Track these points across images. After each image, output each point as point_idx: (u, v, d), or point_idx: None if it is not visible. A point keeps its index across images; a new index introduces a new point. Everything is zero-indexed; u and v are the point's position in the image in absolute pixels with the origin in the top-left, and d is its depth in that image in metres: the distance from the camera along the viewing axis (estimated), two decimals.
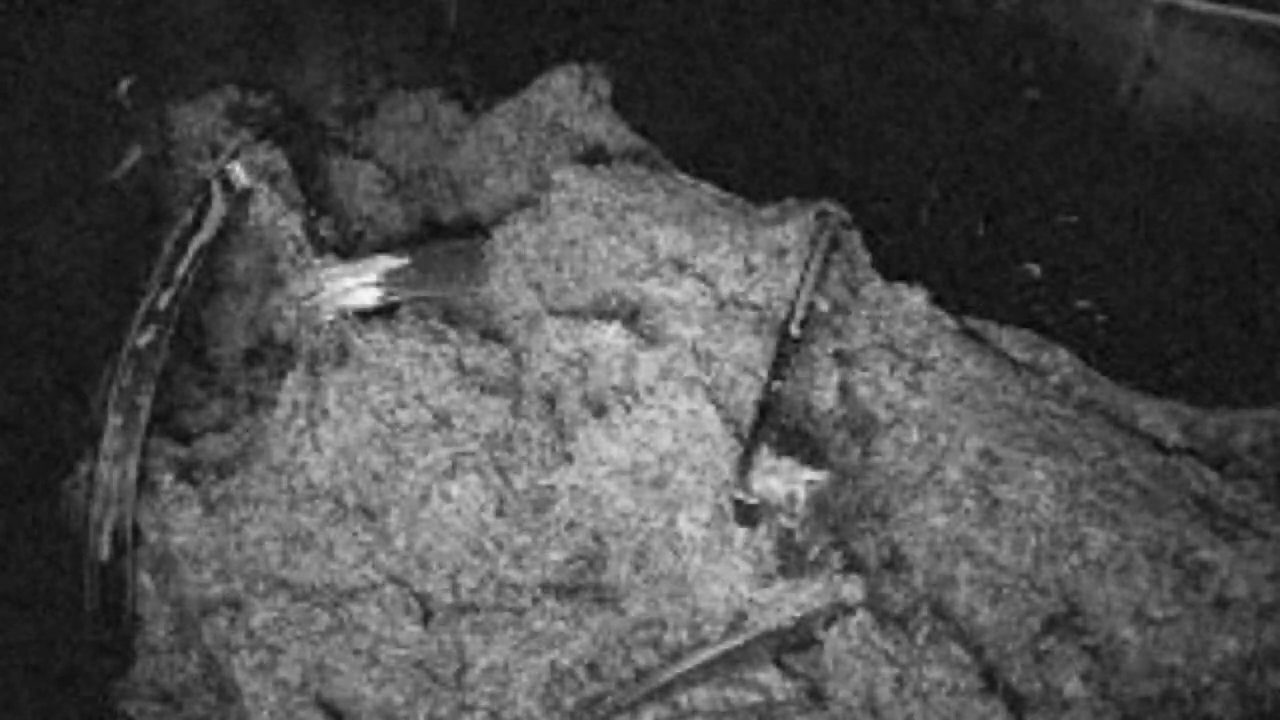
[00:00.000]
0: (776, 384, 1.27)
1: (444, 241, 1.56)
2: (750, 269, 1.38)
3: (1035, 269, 1.52)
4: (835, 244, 1.39)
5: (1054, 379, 1.42)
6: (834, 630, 1.21)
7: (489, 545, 1.29)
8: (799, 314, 1.32)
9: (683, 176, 1.53)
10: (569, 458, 1.30)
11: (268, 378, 1.51)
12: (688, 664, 1.22)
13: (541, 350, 1.36)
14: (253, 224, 1.51)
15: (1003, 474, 1.29)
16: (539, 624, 1.25)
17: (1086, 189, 1.45)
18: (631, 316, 1.37)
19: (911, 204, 1.57)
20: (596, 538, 1.29)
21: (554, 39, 1.74)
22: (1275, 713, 1.17)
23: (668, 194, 1.47)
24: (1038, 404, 1.36)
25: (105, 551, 1.37)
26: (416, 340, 1.37)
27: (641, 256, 1.40)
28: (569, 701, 1.23)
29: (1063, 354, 1.44)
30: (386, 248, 1.55)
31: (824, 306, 1.35)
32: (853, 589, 1.21)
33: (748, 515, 1.22)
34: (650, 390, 1.28)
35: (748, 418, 1.26)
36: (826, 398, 1.35)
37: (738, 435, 1.25)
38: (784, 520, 1.22)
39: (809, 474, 1.22)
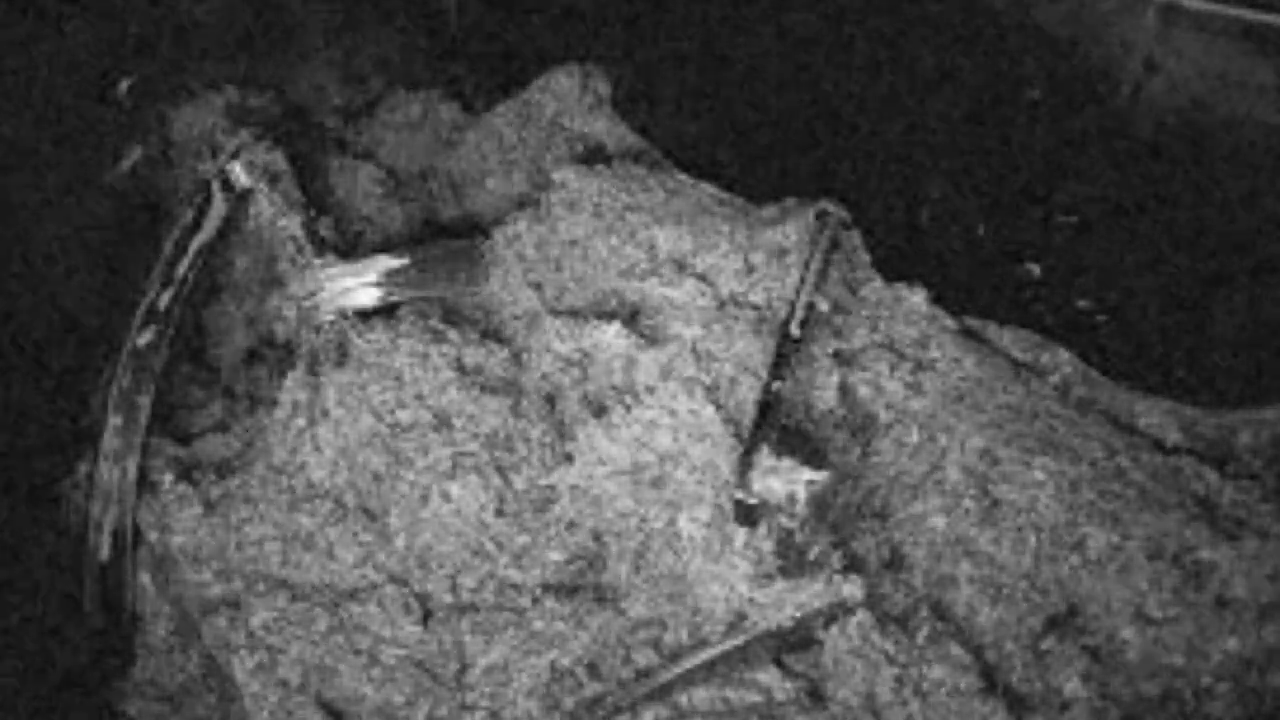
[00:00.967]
0: (776, 384, 1.27)
1: (444, 241, 1.56)
2: (750, 269, 1.38)
3: (1035, 269, 1.52)
4: (835, 244, 1.39)
5: (1054, 379, 1.42)
6: (834, 630, 1.21)
7: (489, 545, 1.29)
8: (799, 314, 1.32)
9: (683, 176, 1.53)
10: (569, 458, 1.30)
11: (268, 378, 1.51)
12: (688, 664, 1.22)
13: (541, 350, 1.36)
14: (253, 224, 1.51)
15: (1003, 474, 1.29)
16: (539, 624, 1.25)
17: (1086, 189, 1.45)
18: (631, 316, 1.37)
19: (911, 204, 1.57)
20: (596, 538, 1.29)
21: (554, 39, 1.73)
22: (1275, 713, 1.17)
23: (668, 194, 1.47)
24: (1038, 404, 1.36)
25: (105, 551, 1.37)
26: (416, 340, 1.37)
27: (641, 256, 1.40)
28: (569, 701, 1.23)
29: (1063, 354, 1.44)
30: (386, 248, 1.55)
31: (824, 306, 1.35)
32: (853, 589, 1.21)
33: (748, 515, 1.22)
34: (650, 390, 1.28)
35: (748, 418, 1.26)
36: (826, 398, 1.35)
37: (738, 435, 1.25)
38: (784, 520, 1.22)
39: (809, 474, 1.22)
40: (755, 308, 1.36)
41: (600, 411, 1.30)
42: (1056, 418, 1.35)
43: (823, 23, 1.54)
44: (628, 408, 1.28)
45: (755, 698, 1.23)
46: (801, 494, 1.21)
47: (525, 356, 1.38)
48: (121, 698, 1.35)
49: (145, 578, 1.38)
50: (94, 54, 1.44)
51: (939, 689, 1.19)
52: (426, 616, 1.28)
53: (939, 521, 1.29)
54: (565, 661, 1.24)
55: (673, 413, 1.26)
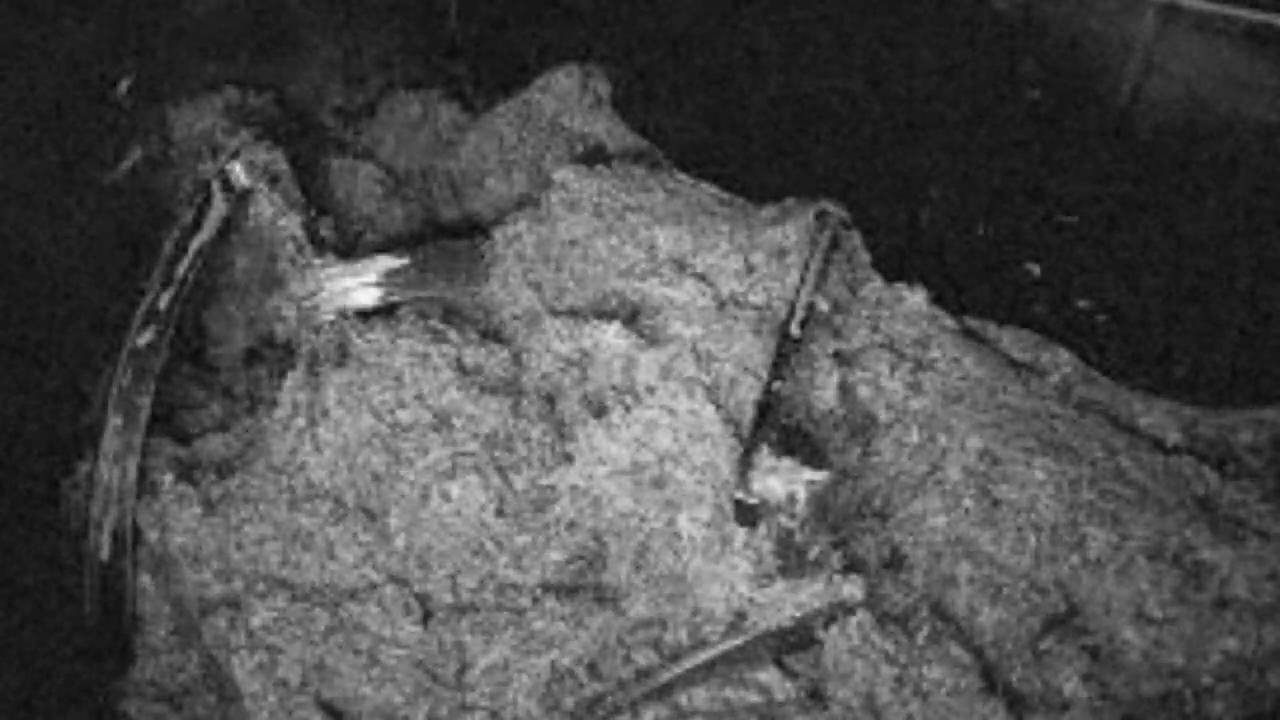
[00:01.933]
0: (776, 384, 1.27)
1: (444, 241, 1.56)
2: (750, 269, 1.38)
3: (1035, 269, 1.52)
4: (835, 244, 1.39)
5: (1054, 379, 1.42)
6: (834, 630, 1.21)
7: (489, 545, 1.29)
8: (799, 314, 1.32)
9: (683, 176, 1.53)
10: (569, 458, 1.30)
11: (268, 378, 1.51)
12: (688, 664, 1.22)
13: (541, 350, 1.36)
14: (253, 224, 1.51)
15: (1003, 474, 1.29)
16: (539, 624, 1.25)
17: (1086, 189, 1.45)
18: (631, 316, 1.37)
19: (911, 204, 1.57)
20: (596, 538, 1.29)
21: (554, 39, 1.73)
22: (1275, 713, 1.17)
23: (668, 194, 1.47)
24: (1038, 404, 1.36)
25: (105, 551, 1.37)
26: (416, 340, 1.37)
27: (641, 256, 1.40)
28: (569, 701, 1.23)
29: (1063, 354, 1.44)
30: (386, 248, 1.55)
31: (824, 306, 1.35)
32: (853, 589, 1.21)
33: (748, 515, 1.22)
34: (650, 390, 1.28)
35: (748, 418, 1.26)
36: (826, 398, 1.35)
37: (738, 435, 1.25)
38: (784, 520, 1.22)
39: (809, 474, 1.22)
40: (755, 308, 1.36)
41: (600, 411, 1.30)
42: (1056, 418, 1.35)
43: (823, 23, 1.54)
44: (628, 408, 1.28)
45: (755, 698, 1.23)
46: (801, 494, 1.21)
47: (525, 356, 1.38)
48: (121, 698, 1.35)
49: (145, 578, 1.38)
50: (94, 54, 1.44)
51: (939, 689, 1.19)
52: (426, 616, 1.28)
53: (939, 521, 1.29)
54: (565, 661, 1.24)
55: (673, 413, 1.26)
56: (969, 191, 1.53)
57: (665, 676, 1.22)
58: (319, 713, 1.25)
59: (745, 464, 1.22)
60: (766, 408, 1.26)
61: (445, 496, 1.29)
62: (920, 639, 1.21)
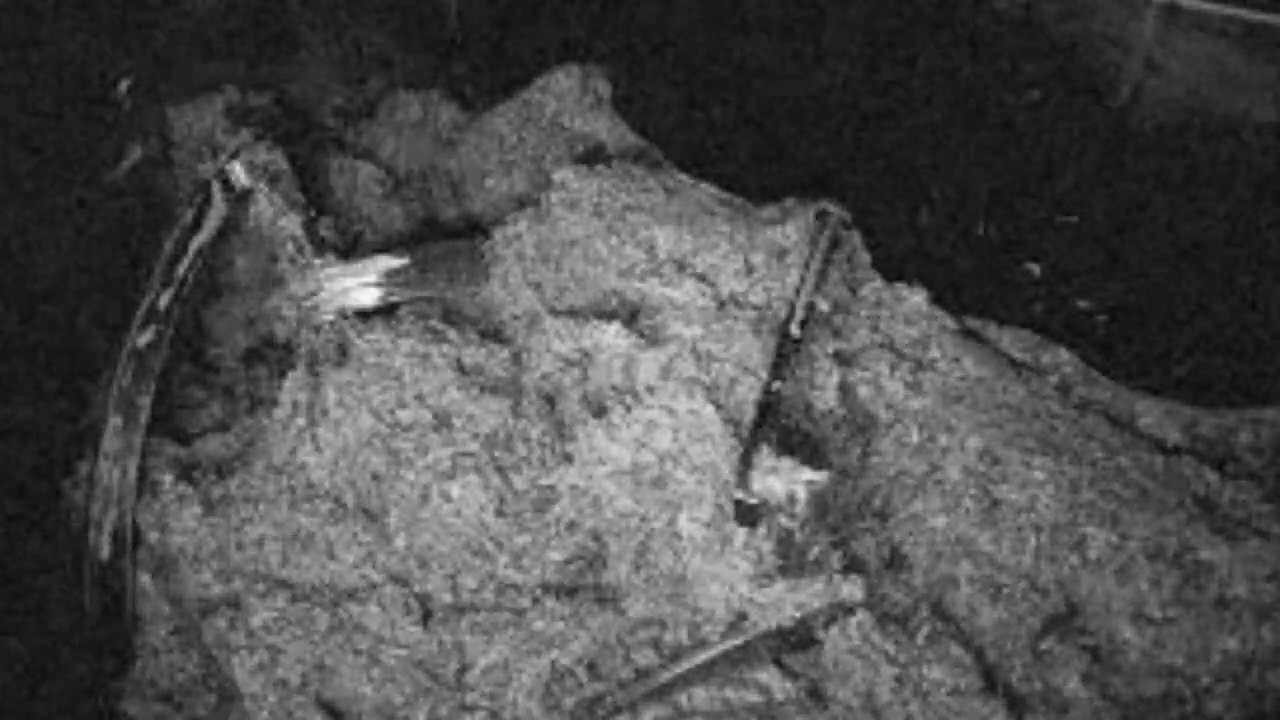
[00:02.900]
0: (776, 384, 1.27)
1: (444, 241, 1.56)
2: (750, 269, 1.38)
3: (1035, 269, 1.52)
4: (835, 244, 1.38)
5: (1054, 379, 1.42)
6: (834, 630, 1.21)
7: (489, 545, 1.29)
8: (799, 314, 1.32)
9: (683, 176, 1.53)
10: (569, 458, 1.30)
11: (268, 378, 1.51)
12: (688, 664, 1.22)
13: (541, 350, 1.36)
14: (253, 224, 1.51)
15: (1003, 474, 1.29)
16: (539, 624, 1.25)
17: (1086, 189, 1.45)
18: (631, 316, 1.37)
19: (911, 204, 1.57)
20: (596, 538, 1.29)
21: (554, 39, 1.73)
22: (1275, 713, 1.17)
23: (668, 194, 1.47)
24: (1038, 404, 1.37)
25: (105, 551, 1.37)
26: (416, 340, 1.37)
27: (641, 256, 1.40)
28: (569, 701, 1.23)
29: (1063, 354, 1.44)
30: (386, 248, 1.55)
31: (824, 306, 1.35)
32: (853, 589, 1.21)
33: (748, 515, 1.22)
34: (650, 390, 1.28)
35: (748, 418, 1.26)
36: (826, 398, 1.35)
37: (738, 435, 1.25)
38: (784, 520, 1.22)
39: (809, 474, 1.22)
40: (755, 308, 1.36)
41: (600, 411, 1.30)
42: (1056, 418, 1.35)
43: (822, 22, 1.54)
44: (628, 408, 1.28)
45: (755, 698, 1.23)
46: (801, 494, 1.21)
47: (525, 356, 1.38)
48: (121, 698, 1.35)
49: (145, 578, 1.38)
50: (94, 54, 1.44)
51: (939, 689, 1.19)
52: (426, 616, 1.28)
53: (939, 521, 1.29)
54: (565, 661, 1.24)
55: (673, 413, 1.26)
56: (969, 191, 1.53)
57: (665, 676, 1.22)
58: (319, 713, 1.25)
59: (745, 464, 1.22)
60: (766, 408, 1.26)
61: (445, 496, 1.29)
62: (920, 639, 1.21)
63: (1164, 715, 1.19)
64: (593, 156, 1.62)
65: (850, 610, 1.21)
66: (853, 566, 1.25)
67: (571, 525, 1.29)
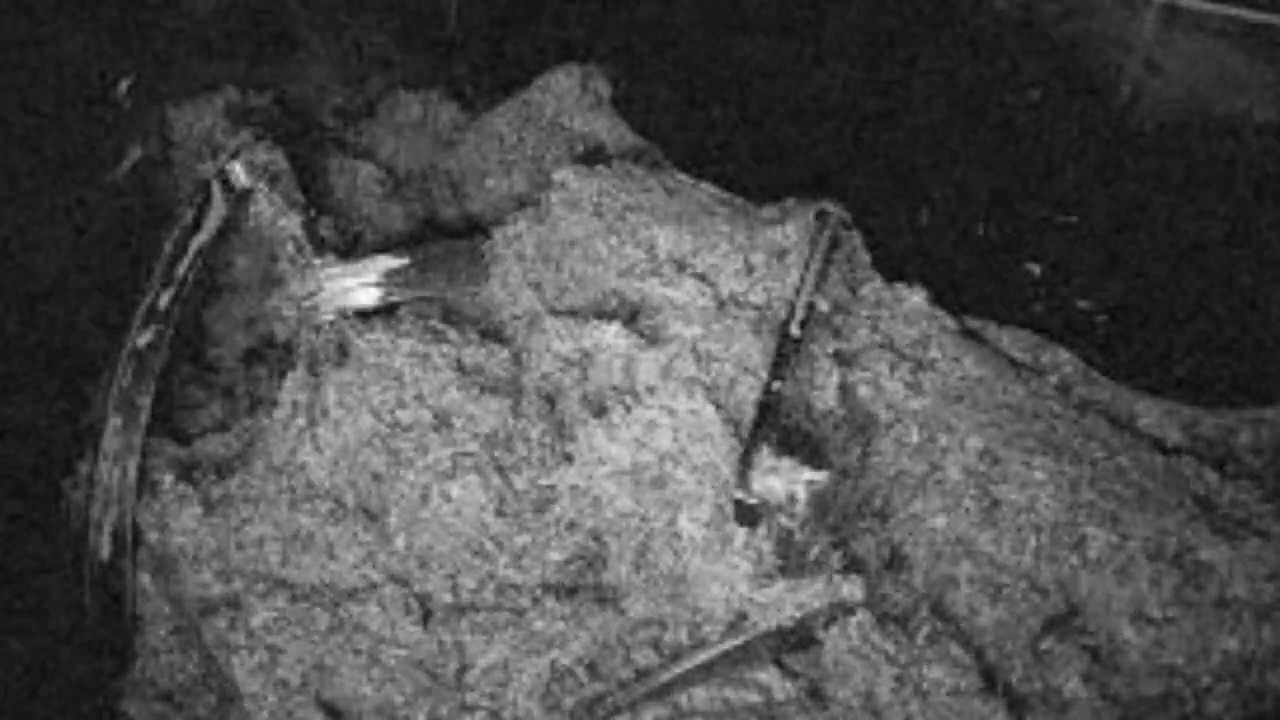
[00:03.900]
0: (776, 384, 1.27)
1: (444, 241, 1.56)
2: (750, 269, 1.38)
3: (1035, 269, 1.52)
4: (835, 244, 1.38)
5: (1054, 379, 1.42)
6: (834, 630, 1.21)
7: (489, 545, 1.29)
8: (799, 314, 1.32)
9: (683, 176, 1.53)
10: (569, 458, 1.30)
11: (268, 378, 1.51)
12: (688, 664, 1.22)
13: (541, 350, 1.36)
14: (253, 224, 1.51)
15: (1003, 474, 1.29)
16: (539, 624, 1.25)
17: (1086, 189, 1.46)
18: (631, 316, 1.37)
19: (911, 204, 1.57)
20: (596, 538, 1.29)
21: (554, 39, 1.73)
22: (1275, 713, 1.17)
23: (668, 194, 1.47)
24: (1038, 404, 1.36)
25: (105, 551, 1.37)
26: (416, 340, 1.37)
27: (641, 256, 1.40)
28: (569, 701, 1.23)
29: (1063, 354, 1.44)
30: (386, 248, 1.55)
31: (824, 306, 1.35)
32: (853, 589, 1.21)
33: (748, 515, 1.22)
34: (650, 390, 1.28)
35: (748, 418, 1.26)
36: (826, 398, 1.35)
37: (738, 435, 1.25)
38: (784, 520, 1.22)
39: (809, 474, 1.22)
40: (755, 308, 1.36)
41: (600, 411, 1.30)
42: (1056, 418, 1.35)
43: (823, 22, 1.54)
44: (628, 408, 1.28)
45: (755, 698, 1.23)
46: (801, 494, 1.21)
47: (525, 356, 1.38)
48: (121, 698, 1.35)
49: (145, 578, 1.38)
50: (94, 54, 1.44)
51: (939, 689, 1.19)
52: (426, 616, 1.28)
53: (939, 521, 1.29)
54: (565, 661, 1.24)
55: (673, 413, 1.26)
56: (969, 191, 1.53)
57: (665, 676, 1.22)
58: (319, 713, 1.25)
59: (745, 464, 1.22)
60: (766, 408, 1.26)
61: (445, 496, 1.29)
62: (920, 639, 1.21)
63: (1164, 715, 1.19)
64: (593, 156, 1.62)
65: (850, 610, 1.21)
66: (853, 566, 1.25)
67: (571, 525, 1.29)
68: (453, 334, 1.40)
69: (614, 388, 1.31)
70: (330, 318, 1.44)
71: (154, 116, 1.52)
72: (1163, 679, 1.20)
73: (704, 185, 1.51)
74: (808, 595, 1.21)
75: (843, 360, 1.37)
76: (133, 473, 1.38)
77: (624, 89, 1.69)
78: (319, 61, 1.72)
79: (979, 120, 1.48)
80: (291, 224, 1.49)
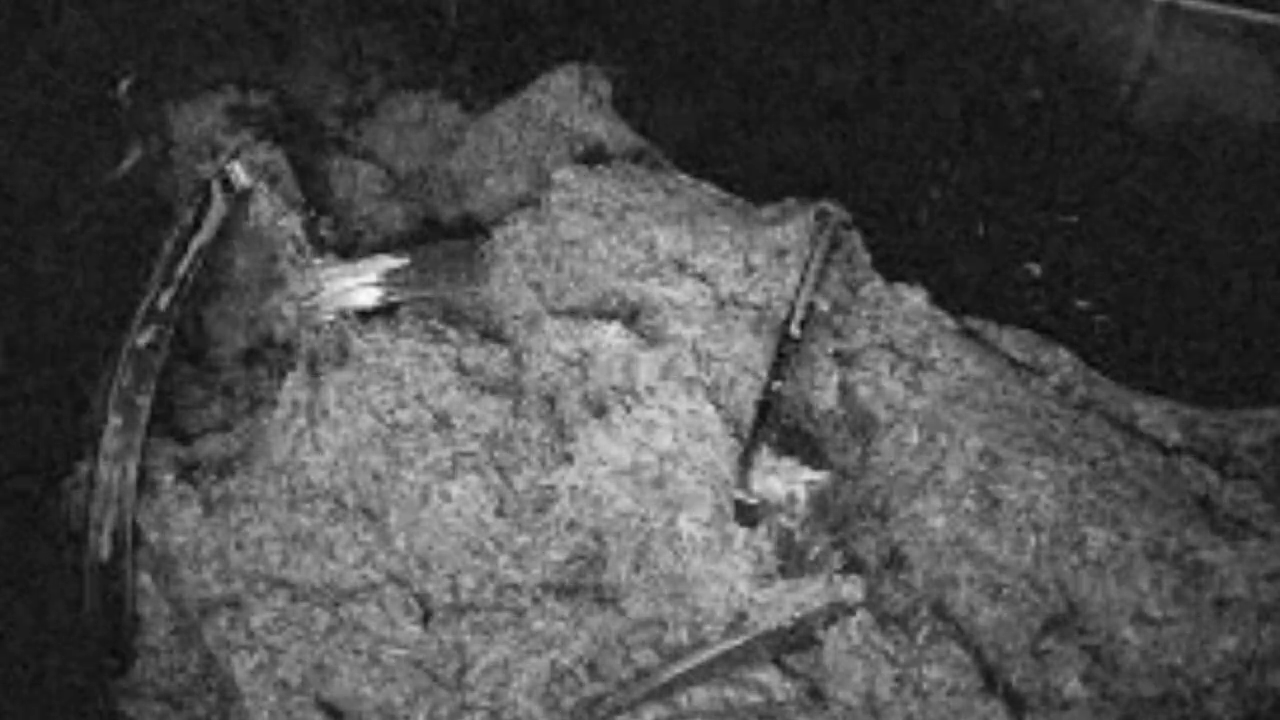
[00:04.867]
0: (776, 384, 1.27)
1: (444, 241, 1.56)
2: (750, 269, 1.38)
3: (1035, 269, 1.52)
4: (835, 244, 1.39)
5: (1054, 379, 1.42)
6: (834, 630, 1.21)
7: (489, 545, 1.29)
8: (799, 314, 1.32)
9: (683, 176, 1.53)
10: (569, 458, 1.30)
11: (268, 378, 1.51)
12: (688, 664, 1.22)
13: (541, 350, 1.36)
14: (253, 224, 1.51)
15: (1003, 474, 1.29)
16: (539, 624, 1.25)
17: (1086, 189, 1.46)
18: (631, 316, 1.37)
19: (911, 204, 1.57)
20: (596, 538, 1.29)
21: (554, 39, 1.73)
22: (1275, 713, 1.17)
23: (668, 194, 1.47)
24: (1038, 404, 1.37)
25: (105, 551, 1.37)
26: (416, 340, 1.37)
27: (641, 256, 1.40)
28: (569, 701, 1.23)
29: (1063, 354, 1.44)
30: (386, 248, 1.55)
31: (824, 306, 1.35)
32: (853, 589, 1.21)
33: (748, 515, 1.22)
34: (650, 390, 1.28)
35: (748, 418, 1.26)
36: (826, 398, 1.35)
37: (738, 435, 1.25)
38: (784, 520, 1.22)
39: (809, 474, 1.22)
40: (755, 308, 1.36)
41: (600, 411, 1.30)
42: (1056, 418, 1.35)
43: (822, 22, 1.54)
44: (628, 408, 1.28)
45: (755, 698, 1.23)
46: (801, 494, 1.21)
47: (525, 356, 1.38)
48: (121, 698, 1.35)
49: (145, 578, 1.38)
50: (94, 54, 1.44)
51: (939, 689, 1.19)
52: (426, 616, 1.29)
53: (939, 521, 1.29)
54: (565, 661, 1.24)
55: (673, 413, 1.26)
56: (969, 191, 1.53)
57: (665, 676, 1.22)
58: (319, 713, 1.25)
59: (745, 464, 1.22)
60: (766, 408, 1.26)
61: (445, 496, 1.30)
62: (920, 639, 1.21)
63: (1164, 715, 1.19)
64: (593, 156, 1.62)
65: (850, 610, 1.21)
66: (853, 566, 1.25)
67: (571, 525, 1.29)
68: (453, 334, 1.40)
69: (614, 388, 1.31)
70: (330, 318, 1.44)
71: (154, 116, 1.52)
72: (1163, 679, 1.20)
73: (704, 185, 1.51)
74: (808, 595, 1.21)
75: (843, 360, 1.37)
76: (133, 473, 1.38)
77: (624, 89, 1.69)
78: (319, 61, 1.72)
79: (979, 120, 1.48)
80: (291, 224, 1.49)
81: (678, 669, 1.22)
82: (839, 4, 1.52)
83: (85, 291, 1.45)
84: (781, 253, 1.38)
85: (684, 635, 1.25)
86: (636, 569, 1.27)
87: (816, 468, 1.23)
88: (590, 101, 1.67)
